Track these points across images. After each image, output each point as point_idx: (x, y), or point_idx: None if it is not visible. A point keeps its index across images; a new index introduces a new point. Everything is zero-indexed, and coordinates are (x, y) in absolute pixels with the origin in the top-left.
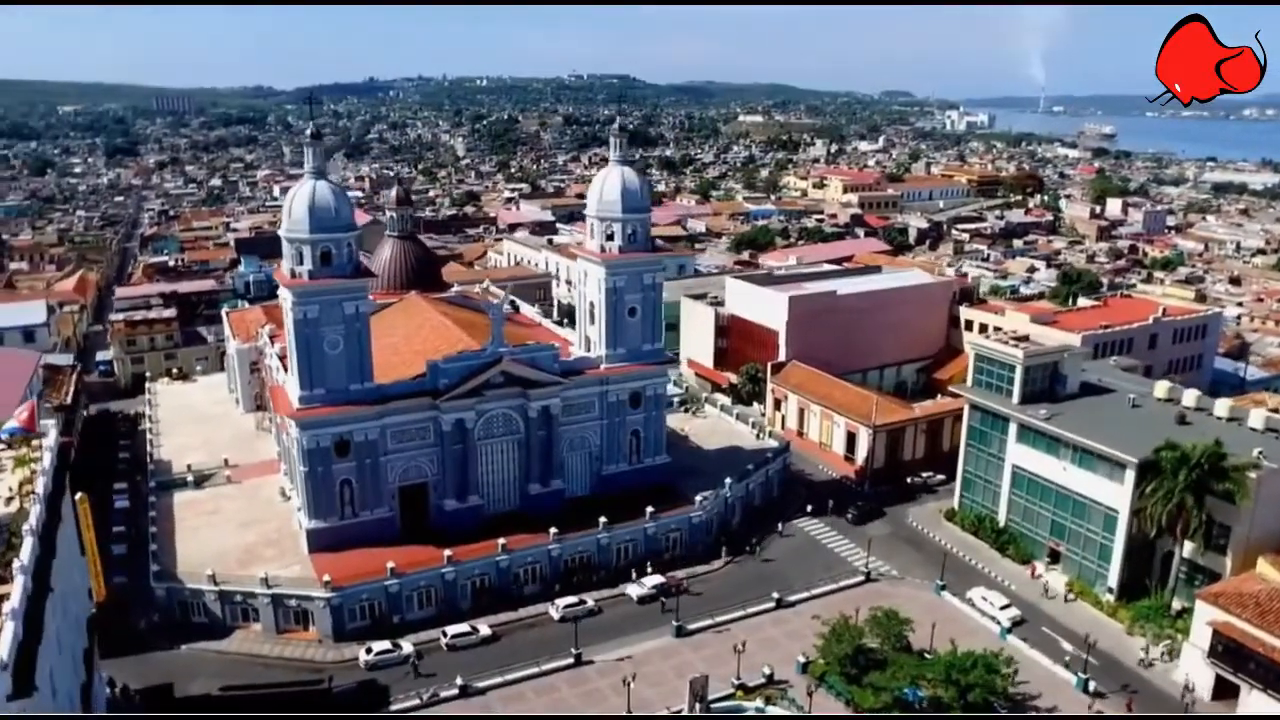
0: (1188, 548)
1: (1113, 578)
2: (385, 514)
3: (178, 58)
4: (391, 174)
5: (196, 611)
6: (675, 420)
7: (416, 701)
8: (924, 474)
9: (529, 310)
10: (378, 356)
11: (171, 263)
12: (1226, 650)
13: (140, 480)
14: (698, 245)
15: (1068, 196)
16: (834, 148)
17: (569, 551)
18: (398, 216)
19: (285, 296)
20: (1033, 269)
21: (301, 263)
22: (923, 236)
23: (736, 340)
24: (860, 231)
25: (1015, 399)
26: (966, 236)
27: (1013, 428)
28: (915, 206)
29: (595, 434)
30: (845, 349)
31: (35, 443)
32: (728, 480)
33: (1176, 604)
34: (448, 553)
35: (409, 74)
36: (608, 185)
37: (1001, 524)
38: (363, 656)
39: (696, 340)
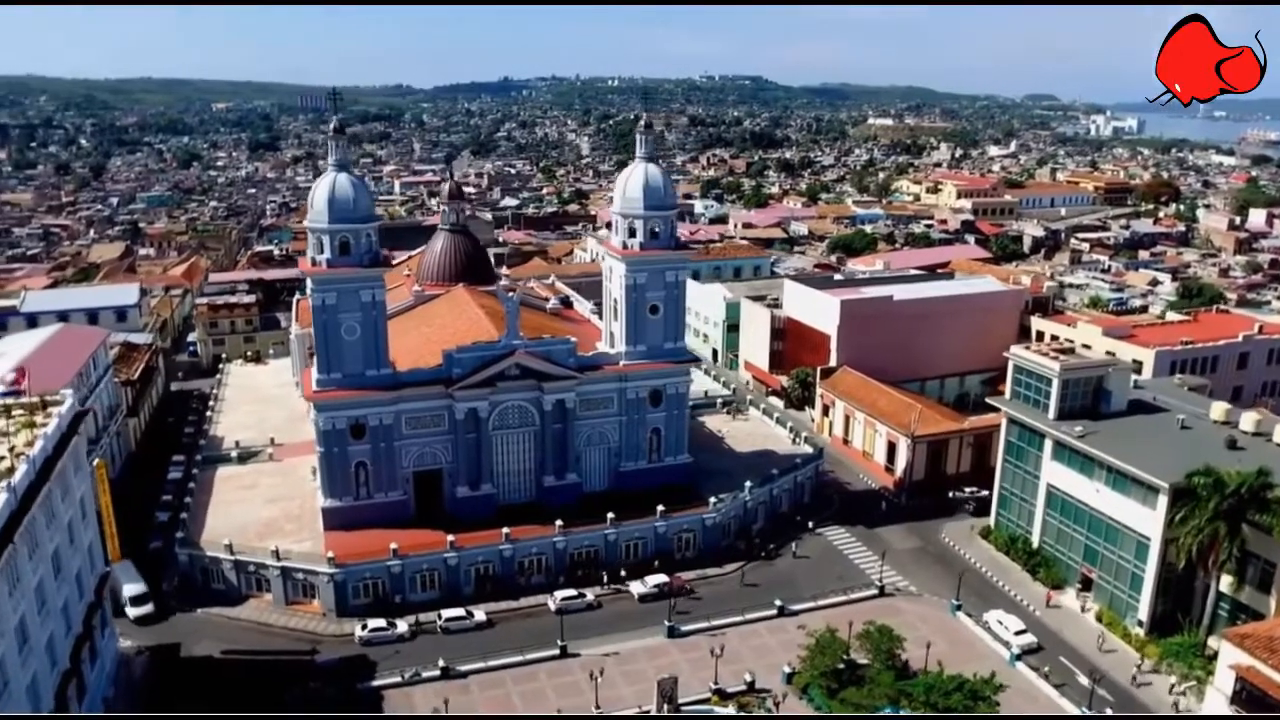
0: (1229, 584)
1: (1143, 610)
2: (399, 497)
3: (325, 57)
4: (513, 171)
5: (216, 579)
6: (716, 422)
7: (398, 679)
8: (968, 489)
9: (582, 306)
10: (413, 345)
11: (276, 252)
12: (1250, 698)
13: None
14: (796, 248)
15: (1206, 206)
16: (959, 152)
17: (575, 545)
18: (449, 210)
19: (308, 284)
20: (1155, 282)
21: (322, 251)
22: (1038, 245)
23: (792, 343)
24: (971, 238)
25: (1051, 414)
26: (1086, 246)
27: (1048, 444)
28: (1034, 214)
29: (614, 430)
30: (902, 356)
31: (50, 409)
32: (747, 484)
33: (1214, 643)
34: (450, 538)
35: (543, 74)
36: (631, 182)
37: (1035, 545)
38: (358, 633)
39: (754, 342)
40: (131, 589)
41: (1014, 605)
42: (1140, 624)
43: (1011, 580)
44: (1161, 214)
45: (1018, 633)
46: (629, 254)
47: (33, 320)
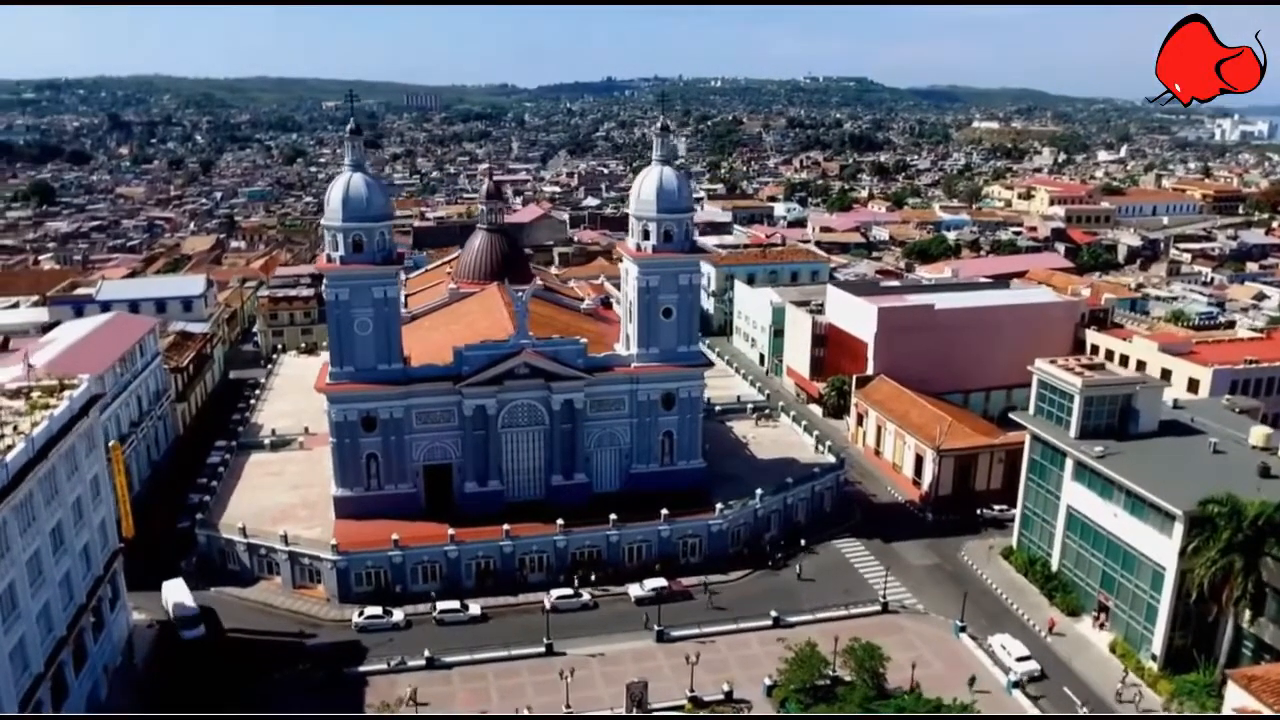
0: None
1: (1157, 643)
2: (409, 489)
3: (435, 57)
4: (605, 171)
5: (232, 560)
6: (744, 427)
7: (384, 666)
8: (997, 507)
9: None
10: (441, 341)
11: None
12: None
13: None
14: (875, 253)
15: None
16: (1062, 157)
17: (576, 545)
18: (487, 210)
19: (324, 280)
20: (1261, 296)
21: (337, 249)
22: (1134, 255)
23: (833, 350)
24: (1061, 247)
25: (1073, 432)
26: (1188, 257)
27: (1069, 464)
28: (1132, 222)
29: (625, 432)
30: (944, 367)
31: (64, 392)
32: (759, 491)
33: None
34: (451, 531)
35: (646, 74)
36: (645, 184)
37: (1054, 568)
38: (354, 619)
39: (796, 348)
40: (182, 610)
41: (1024, 630)
42: (1154, 658)
43: (1027, 604)
44: (1276, 224)
45: (1020, 659)
46: (641, 255)
47: (106, 307)
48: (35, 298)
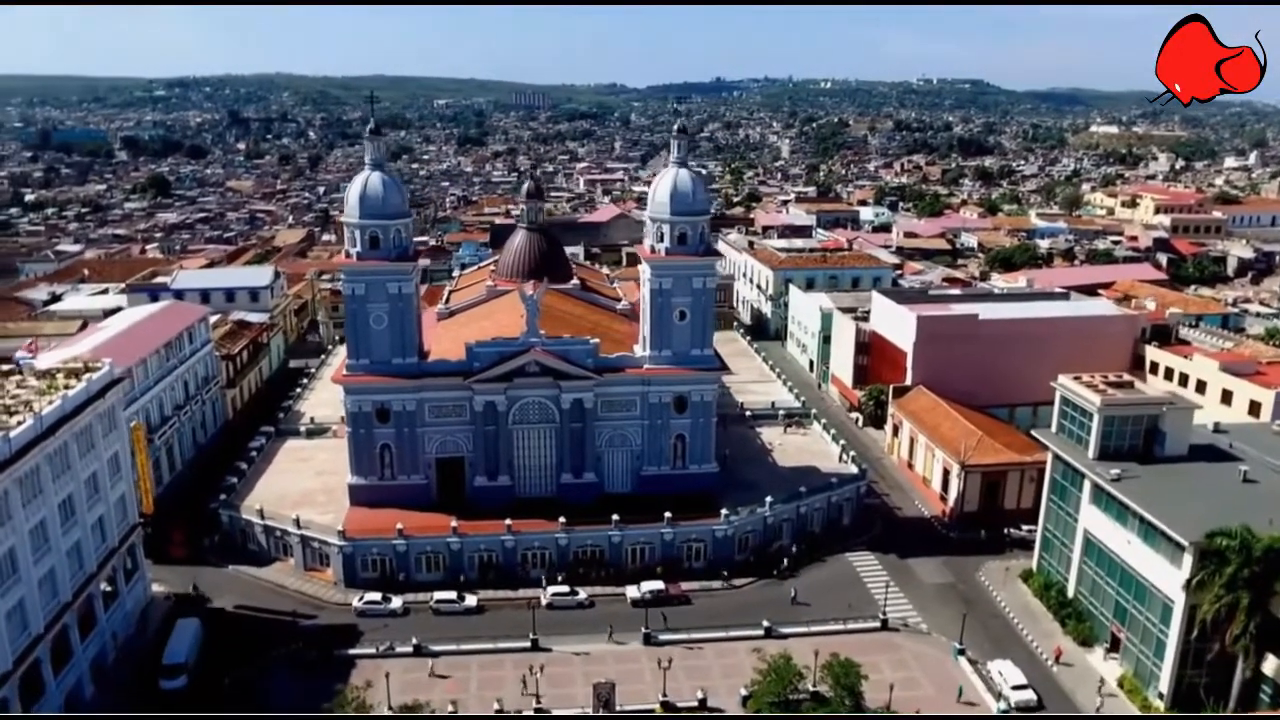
0: (1273, 665)
1: (1164, 681)
2: (421, 481)
3: (546, 57)
4: (703, 172)
5: (251, 540)
6: (772, 433)
7: (373, 650)
8: (1026, 527)
9: None
10: (469, 337)
11: (432, 242)
12: None
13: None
14: (960, 260)
15: None
16: (1179, 163)
17: (578, 543)
18: (528, 209)
19: (341, 276)
20: None
21: (354, 245)
22: (1245, 267)
23: (875, 359)
24: (1163, 258)
25: (1091, 453)
26: None
27: (1087, 485)
28: (1246, 233)
29: (636, 433)
30: (988, 379)
31: (87, 375)
32: (768, 499)
33: None
34: (453, 524)
35: (756, 75)
36: (660, 186)
37: (1070, 594)
38: (354, 603)
39: (841, 356)
40: (170, 655)
41: (1030, 657)
42: (1161, 696)
43: (1038, 630)
44: None
45: (1015, 687)
46: (654, 257)
47: (179, 296)
48: (123, 285)
